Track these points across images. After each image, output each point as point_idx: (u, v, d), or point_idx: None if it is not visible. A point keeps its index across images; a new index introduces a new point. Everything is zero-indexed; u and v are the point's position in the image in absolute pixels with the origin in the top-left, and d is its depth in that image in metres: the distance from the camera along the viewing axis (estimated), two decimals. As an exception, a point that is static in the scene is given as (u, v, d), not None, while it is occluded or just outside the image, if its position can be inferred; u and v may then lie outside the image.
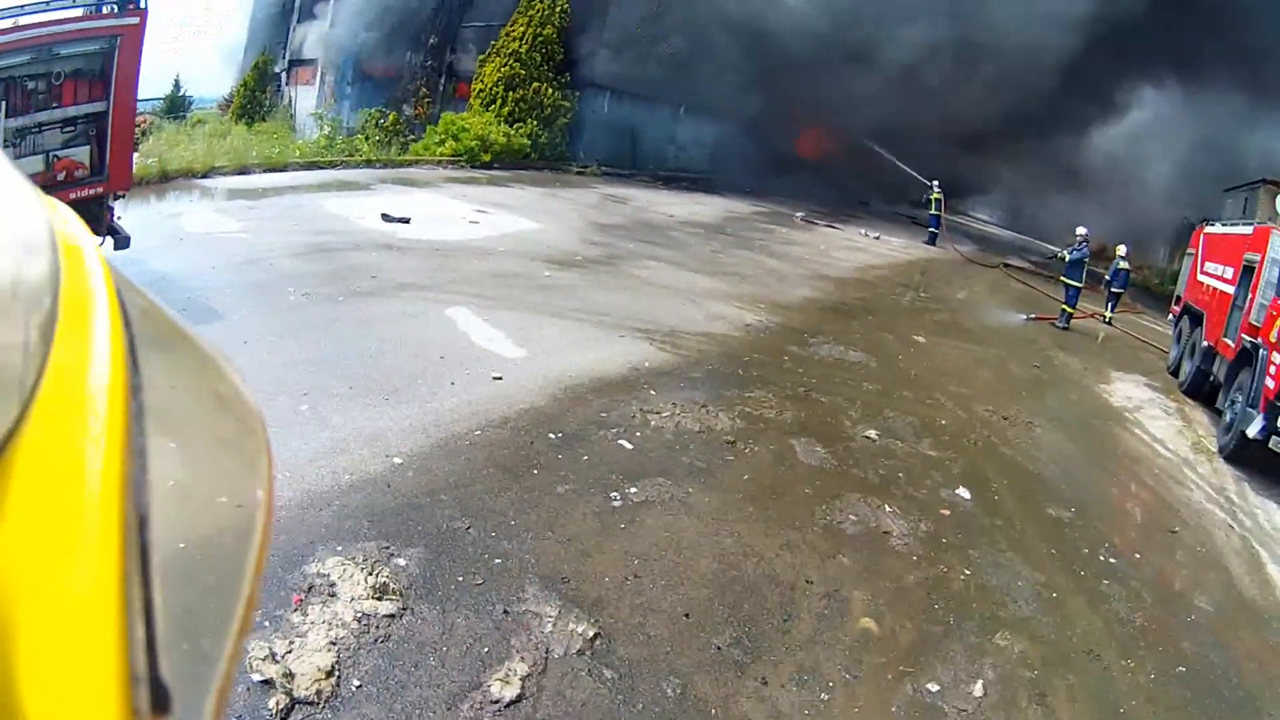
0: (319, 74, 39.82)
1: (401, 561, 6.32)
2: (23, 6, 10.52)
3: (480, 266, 14.98)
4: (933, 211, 34.20)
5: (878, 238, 32.22)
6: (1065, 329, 22.42)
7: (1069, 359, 19.48)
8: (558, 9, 32.64)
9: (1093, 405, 16.19)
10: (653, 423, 9.58)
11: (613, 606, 6.40)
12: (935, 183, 34.32)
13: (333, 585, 5.94)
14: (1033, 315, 23.04)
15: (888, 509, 8.99)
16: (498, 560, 6.56)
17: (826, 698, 6.08)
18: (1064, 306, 22.64)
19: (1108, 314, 24.29)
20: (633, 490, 8.05)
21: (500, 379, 10.05)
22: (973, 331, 19.63)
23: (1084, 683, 7.20)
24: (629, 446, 8.91)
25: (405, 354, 10.36)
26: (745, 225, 27.16)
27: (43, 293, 0.71)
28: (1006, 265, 32.52)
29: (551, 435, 8.83)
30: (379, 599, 5.92)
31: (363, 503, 7.02)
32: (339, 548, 6.33)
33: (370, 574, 6.09)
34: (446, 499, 7.24)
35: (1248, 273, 16.82)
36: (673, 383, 10.91)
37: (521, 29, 32.19)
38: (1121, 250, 23.65)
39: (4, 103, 10.53)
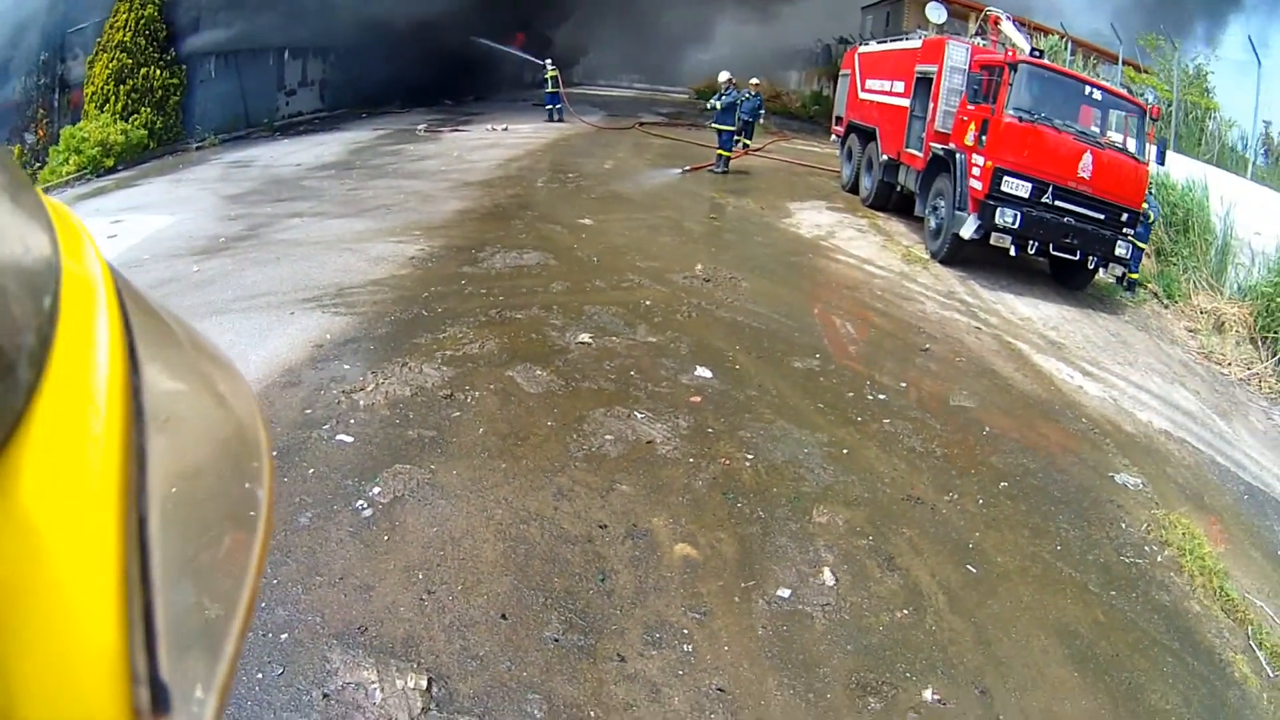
0: None
1: None
2: None
3: (127, 283, 13.42)
4: (550, 90, 35.35)
5: (506, 129, 32.23)
6: (725, 173, 23.00)
7: (741, 202, 20.04)
8: (159, -16, 30.22)
9: (785, 242, 16.61)
10: (361, 402, 8.70)
11: (426, 639, 5.69)
12: (548, 62, 35.64)
13: None
14: (687, 167, 23.55)
15: (638, 415, 8.74)
16: (284, 635, 5.64)
17: (690, 649, 5.84)
18: (720, 151, 23.21)
19: (747, 143, 25.06)
20: (376, 491, 7.21)
21: (182, 410, 8.75)
22: (635, 199, 19.66)
23: (921, 531, 7.29)
24: (349, 440, 8.01)
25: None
26: (372, 153, 26.45)
27: (43, 293, 0.67)
28: (641, 124, 33.59)
29: (265, 458, 7.67)
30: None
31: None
32: None
33: None
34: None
35: (924, 84, 17.80)
36: (363, 348, 10.08)
37: (124, 16, 29.58)
38: (754, 81, 24.34)
39: None
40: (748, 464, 7.96)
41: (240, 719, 5.03)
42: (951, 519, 7.53)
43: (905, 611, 6.36)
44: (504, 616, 5.88)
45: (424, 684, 5.26)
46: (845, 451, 8.38)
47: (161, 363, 0.78)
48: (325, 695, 5.17)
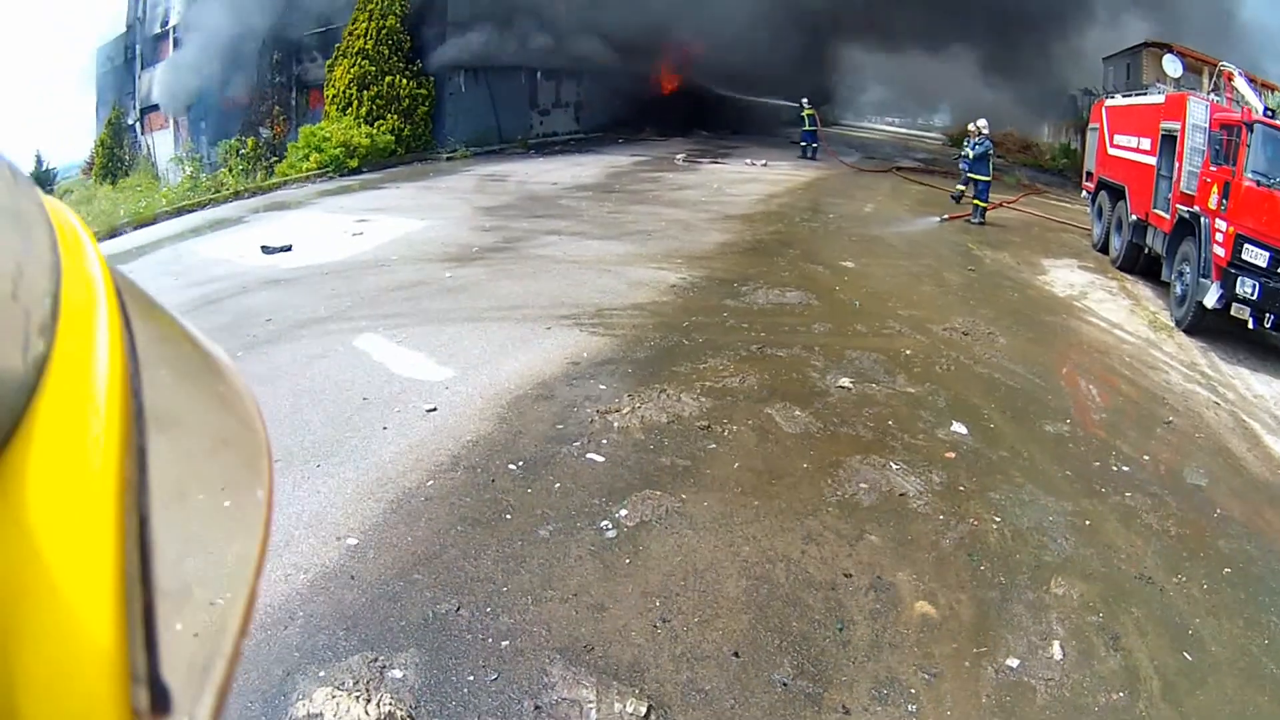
0: (170, 116, 39.08)
1: (397, 674, 5.36)
2: None
3: (376, 282, 13.95)
4: (807, 128, 34.88)
5: (765, 165, 31.96)
6: (981, 224, 22.40)
7: (998, 255, 19.50)
8: (396, -2, 31.47)
9: (1039, 300, 16.11)
10: (615, 423, 8.72)
11: (653, 667, 5.60)
12: (804, 100, 34.79)
13: None
14: (945, 216, 22.95)
15: (893, 466, 8.50)
16: (505, 642, 5.64)
17: (914, 708, 5.62)
18: (975, 201, 22.66)
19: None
20: (623, 513, 7.19)
21: (435, 410, 9.06)
22: (895, 245, 19.31)
23: (1148, 612, 7.03)
24: (600, 459, 8.02)
25: (325, 405, 9.28)
26: (631, 178, 26.64)
27: (43, 293, 0.67)
28: (898, 169, 32.73)
29: (512, 466, 7.86)
30: (389, 733, 5.01)
31: (329, 606, 6.03)
32: (321, 673, 5.37)
33: (368, 701, 5.15)
34: (421, 578, 6.27)
35: (1169, 142, 16.93)
36: (620, 370, 10.11)
37: (364, 25, 31.09)
38: (981, 124, 23.32)
39: None
40: (995, 527, 7.80)
41: (453, 712, 5.10)
42: (1177, 602, 7.22)
43: (1121, 694, 6.11)
44: (736, 654, 5.78)
45: (643, 711, 5.19)
46: (1087, 523, 8.11)
47: (162, 363, 0.78)
48: (538, 707, 5.17)
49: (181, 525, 0.67)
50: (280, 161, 29.37)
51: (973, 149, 22.54)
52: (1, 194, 0.69)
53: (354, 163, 28.09)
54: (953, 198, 23.82)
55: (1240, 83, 16.81)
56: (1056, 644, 6.43)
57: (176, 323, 0.87)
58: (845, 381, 10.36)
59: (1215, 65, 18.50)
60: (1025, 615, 6.69)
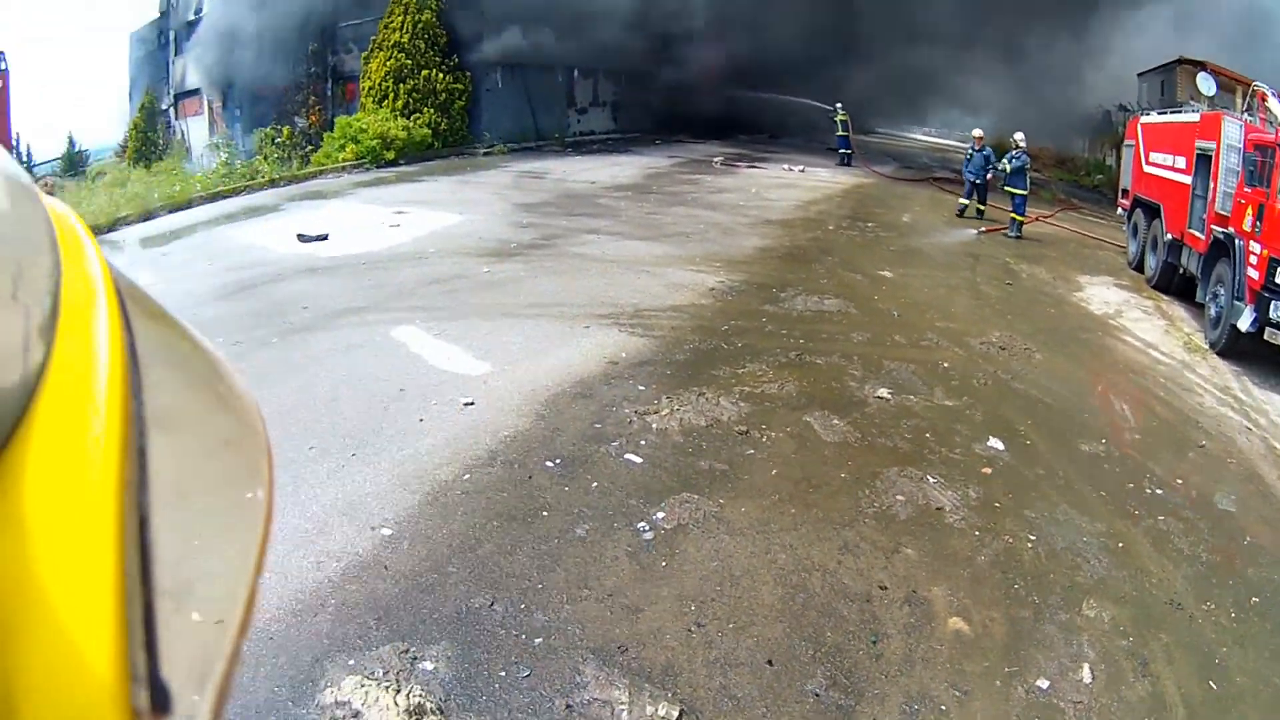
0: (205, 102, 39.30)
1: (428, 666, 5.35)
2: None
3: (414, 274, 13.96)
4: (840, 133, 34.65)
5: (803, 171, 31.82)
6: (1018, 238, 22.21)
7: (1034, 269, 19.34)
8: (433, -9, 31.50)
9: (1076, 317, 15.97)
10: (654, 425, 8.70)
11: (686, 671, 5.58)
12: (838, 105, 34.63)
13: (358, 716, 5.02)
14: (983, 229, 22.80)
15: (930, 479, 8.45)
16: (538, 640, 5.63)
17: None
18: (1013, 215, 22.48)
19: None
20: (660, 515, 7.17)
21: (472, 404, 9.05)
22: (933, 256, 19.26)
23: (1177, 639, 6.99)
24: (638, 460, 8.00)
25: (361, 395, 9.28)
26: (669, 180, 26.61)
27: (43, 293, 0.69)
28: (935, 179, 32.42)
29: (549, 463, 7.85)
30: (418, 725, 4.99)
31: (362, 595, 6.02)
32: (351, 662, 5.37)
33: (398, 692, 5.14)
34: (456, 571, 6.26)
35: (1204, 161, 16.74)
36: (658, 371, 10.09)
37: (399, 19, 31.20)
38: (1019, 137, 23.03)
39: None
40: (1030, 545, 7.74)
41: (483, 707, 5.08)
42: (1205, 630, 7.15)
43: (1146, 721, 6.18)
44: (770, 662, 5.75)
45: (675, 715, 5.17)
46: (1120, 545, 8.05)
47: (162, 363, 0.79)
48: (569, 707, 5.14)
49: (181, 525, 0.69)
50: (316, 151, 29.47)
51: (1010, 162, 22.32)
52: (1, 195, 0.70)
53: (391, 155, 28.16)
54: (962, 214, 23.80)
55: (1273, 103, 16.60)
56: (1086, 667, 6.40)
57: (176, 323, 0.89)
58: (883, 392, 10.34)
59: (1249, 85, 18.36)
60: (1057, 636, 6.67)
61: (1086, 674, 6.33)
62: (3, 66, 9.71)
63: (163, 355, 0.81)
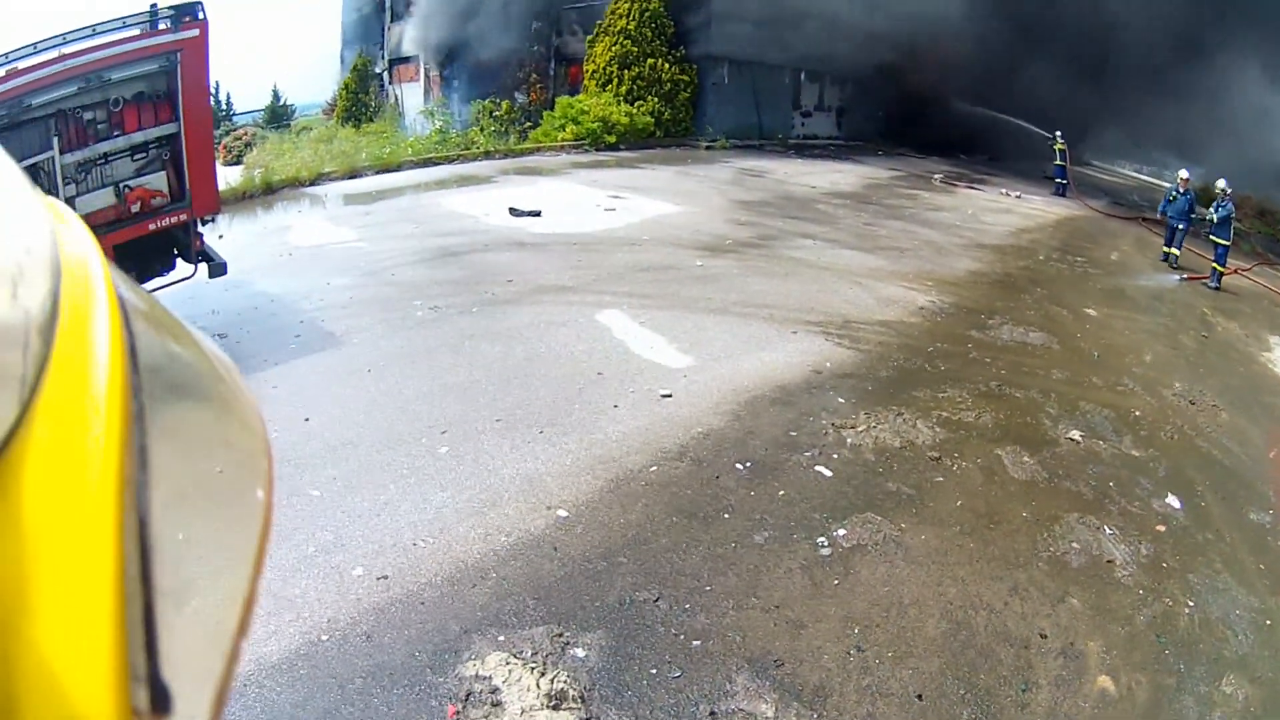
0: (422, 70, 40.17)
1: (579, 652, 5.29)
2: (65, 35, 9.78)
3: (625, 260, 14.03)
4: (1058, 163, 33.90)
5: (1019, 197, 31.17)
6: (1217, 289, 21.40)
7: (1228, 324, 18.58)
8: (661, -20, 31.63)
9: (1264, 377, 15.30)
10: (849, 440, 8.51)
11: (837, 694, 5.45)
12: (1058, 133, 33.85)
13: (496, 692, 4.99)
14: (1185, 275, 21.99)
15: (1107, 530, 8.18)
16: (696, 642, 5.52)
17: None
18: (1215, 265, 21.61)
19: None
20: (841, 533, 7.00)
21: (670, 396, 8.98)
22: (1136, 299, 18.71)
23: None
24: (828, 474, 7.83)
25: (557, 373, 9.31)
26: (887, 192, 26.37)
27: (43, 293, 0.67)
28: (1144, 219, 31.66)
29: (739, 466, 7.70)
30: (555, 709, 4.92)
31: (525, 573, 6.00)
32: (500, 638, 5.35)
33: (542, 674, 5.11)
34: (626, 562, 6.18)
35: None
36: (860, 386, 9.90)
37: (627, 6, 31.43)
38: (1223, 185, 21.99)
39: (57, 138, 9.88)
40: (1187, 611, 7.48)
41: (627, 702, 5.01)
42: (1333, 723, 7.02)
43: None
44: (920, 697, 5.62)
45: (814, 738, 5.03)
46: (1268, 623, 7.74)
47: (162, 363, 0.80)
48: (713, 714, 5.06)
49: (181, 525, 0.69)
50: (534, 128, 29.92)
51: (1216, 212, 21.57)
52: (2, 194, 0.71)
53: (612, 139, 28.44)
54: (1167, 260, 22.87)
55: None
56: (1213, 747, 6.31)
57: (177, 323, 0.89)
58: (1075, 434, 10.03)
59: None
60: (1193, 709, 6.48)
61: (1211, 754, 6.26)
62: (201, 16, 9.99)
63: (163, 355, 0.82)
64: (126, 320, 0.73)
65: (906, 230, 20.09)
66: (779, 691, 5.27)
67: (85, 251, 0.77)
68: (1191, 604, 7.52)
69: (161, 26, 10.21)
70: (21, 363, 0.60)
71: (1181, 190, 22.40)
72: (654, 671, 5.20)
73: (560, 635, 5.35)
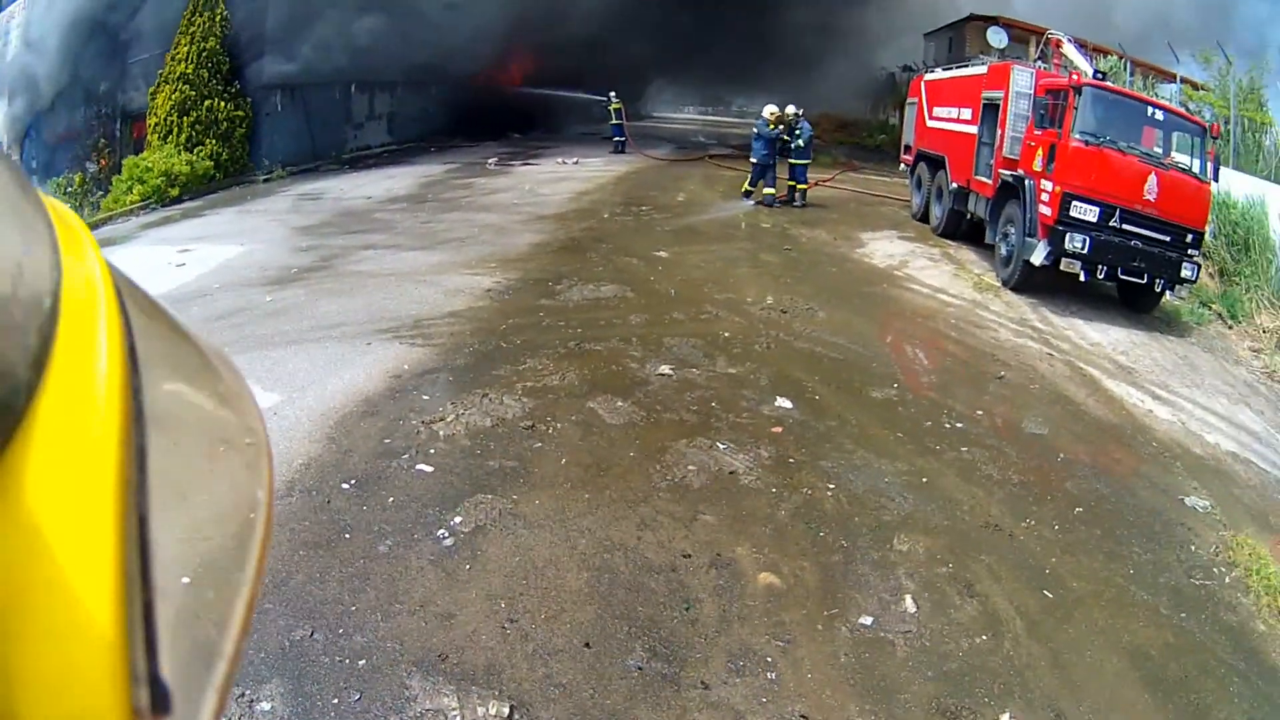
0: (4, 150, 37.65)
1: (265, 706, 5.36)
2: None
3: (199, 312, 13.55)
4: (614, 121, 35.57)
5: (577, 162, 32.33)
6: (804, 206, 22.98)
7: (814, 233, 20.02)
8: (218, 18, 30.47)
9: (859, 272, 16.62)
10: (441, 432, 8.80)
11: (508, 667, 5.72)
12: (611, 94, 35.46)
13: None
14: (757, 201, 23.41)
15: (720, 445, 8.78)
16: (361, 661, 5.69)
17: (773, 676, 5.86)
18: (791, 184, 23.20)
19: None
20: (457, 520, 7.29)
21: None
22: (709, 232, 19.71)
23: (1000, 558, 7.33)
24: (429, 469, 8.10)
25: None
26: (444, 186, 26.62)
27: (43, 292, 0.68)
28: (711, 157, 33.14)
29: (345, 485, 7.85)
30: (265, 773, 5.01)
31: (187, 646, 5.91)
32: None
33: None
34: (273, 607, 6.23)
35: (990, 110, 17.72)
36: (441, 379, 10.19)
37: (185, 48, 29.89)
38: (791, 109, 23.42)
39: None
40: (829, 494, 8.02)
41: None
42: (1029, 545, 7.56)
43: (984, 637, 6.40)
44: (587, 645, 5.91)
45: (505, 712, 5.31)
46: (924, 480, 8.42)
47: (162, 363, 0.81)
48: None
49: (181, 525, 0.71)
50: (105, 196, 28.62)
51: (799, 139, 22.85)
52: (1, 193, 0.71)
53: (175, 191, 27.21)
54: (745, 196, 23.90)
55: (1069, 49, 17.64)
56: (908, 598, 6.73)
57: (176, 323, 0.91)
58: (665, 369, 10.63)
59: (1043, 33, 19.20)
60: (872, 574, 6.94)
61: (910, 604, 6.69)
62: None
63: (163, 355, 0.83)
64: (127, 320, 0.75)
65: (465, 219, 20.53)
66: (454, 682, 5.51)
67: (86, 251, 0.79)
68: (832, 486, 8.17)
69: None
70: (21, 363, 0.62)
71: (770, 127, 22.99)
72: (336, 701, 5.34)
73: (242, 696, 5.39)
